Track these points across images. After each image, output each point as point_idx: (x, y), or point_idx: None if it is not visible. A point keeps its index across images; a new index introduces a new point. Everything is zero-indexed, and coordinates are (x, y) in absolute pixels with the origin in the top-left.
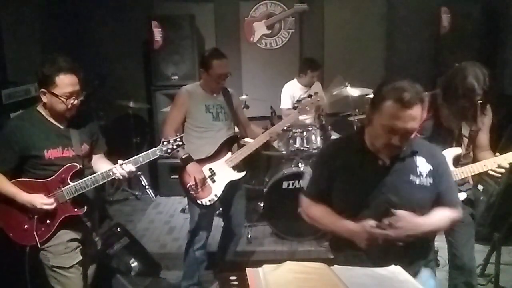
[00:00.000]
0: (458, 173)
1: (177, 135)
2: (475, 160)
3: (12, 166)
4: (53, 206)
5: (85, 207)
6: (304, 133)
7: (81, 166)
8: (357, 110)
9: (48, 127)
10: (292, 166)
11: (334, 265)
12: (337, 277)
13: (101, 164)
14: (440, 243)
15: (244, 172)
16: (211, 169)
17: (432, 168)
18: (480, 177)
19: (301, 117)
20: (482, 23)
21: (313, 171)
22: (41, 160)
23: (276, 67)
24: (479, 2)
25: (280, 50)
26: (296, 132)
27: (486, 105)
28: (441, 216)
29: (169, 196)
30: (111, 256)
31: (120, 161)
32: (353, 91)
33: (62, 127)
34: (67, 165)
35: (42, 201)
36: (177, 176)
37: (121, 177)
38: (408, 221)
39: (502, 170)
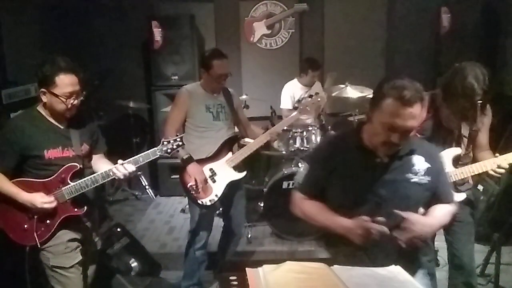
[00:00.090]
0: (458, 173)
1: (177, 135)
2: (474, 160)
3: (12, 166)
4: (53, 205)
5: (85, 207)
6: (304, 133)
7: (81, 166)
8: (357, 110)
9: (48, 127)
10: (292, 166)
11: (334, 265)
12: (337, 277)
13: (101, 164)
14: (440, 243)
15: (245, 172)
16: (211, 169)
17: (429, 167)
18: (480, 177)
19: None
20: (482, 23)
21: (309, 167)
22: (41, 160)
23: (276, 67)
24: (479, 2)
25: (280, 50)
26: (296, 132)
27: (486, 105)
28: (444, 212)
29: (169, 196)
30: (111, 256)
31: (120, 161)
32: (353, 91)
33: (62, 127)
34: (67, 165)
35: (42, 200)
36: (177, 176)
37: (121, 177)
38: (423, 224)
39: (502, 171)
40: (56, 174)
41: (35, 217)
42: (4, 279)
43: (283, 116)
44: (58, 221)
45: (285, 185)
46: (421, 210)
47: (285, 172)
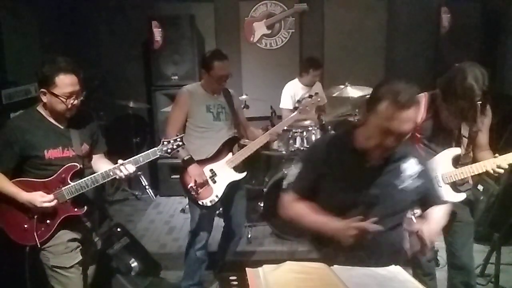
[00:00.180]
0: (458, 173)
1: (177, 135)
2: (474, 160)
3: (12, 166)
4: (53, 204)
5: (85, 207)
6: (304, 133)
7: (81, 166)
8: (357, 110)
9: (48, 127)
10: (292, 166)
11: (334, 265)
12: (337, 277)
13: (101, 164)
14: (440, 243)
15: (245, 173)
16: (212, 170)
17: (420, 171)
18: (480, 177)
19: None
20: (482, 23)
21: (301, 168)
22: (41, 160)
23: (276, 67)
24: (479, 2)
25: (280, 50)
26: (296, 132)
27: (485, 106)
28: (443, 214)
29: (169, 196)
30: (111, 256)
31: (120, 161)
32: (353, 91)
33: (62, 127)
34: (67, 165)
35: (42, 199)
36: (177, 176)
37: (122, 177)
38: (433, 232)
39: (502, 171)
40: (56, 174)
41: (35, 217)
42: (4, 279)
43: (283, 115)
44: (58, 221)
45: (285, 185)
46: (418, 211)
47: (285, 172)
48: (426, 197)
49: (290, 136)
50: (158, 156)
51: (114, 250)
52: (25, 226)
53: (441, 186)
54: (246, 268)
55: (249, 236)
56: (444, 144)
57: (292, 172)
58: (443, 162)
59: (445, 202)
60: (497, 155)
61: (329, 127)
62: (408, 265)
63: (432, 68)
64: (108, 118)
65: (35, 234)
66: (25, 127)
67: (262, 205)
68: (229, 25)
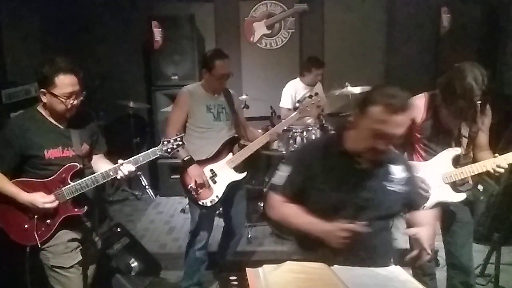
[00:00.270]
0: (458, 173)
1: (177, 135)
2: (474, 160)
3: (12, 166)
4: (54, 204)
5: (85, 207)
6: (304, 133)
7: (81, 166)
8: (357, 110)
9: (48, 127)
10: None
11: (334, 265)
12: (337, 277)
13: (101, 164)
14: (440, 243)
15: (245, 173)
16: (212, 170)
17: (408, 177)
18: (480, 177)
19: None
20: (482, 23)
21: (290, 170)
22: (41, 160)
23: (276, 67)
24: (479, 2)
25: (280, 50)
26: (296, 132)
27: (485, 106)
28: (433, 217)
29: (169, 196)
30: (111, 256)
31: (120, 161)
32: (353, 91)
33: (62, 127)
34: (67, 165)
35: (43, 200)
36: (177, 176)
37: (121, 177)
38: (430, 237)
39: (502, 170)
40: (56, 174)
41: (36, 217)
42: (4, 279)
43: (282, 115)
44: (59, 221)
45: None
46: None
47: None
48: (411, 204)
49: (290, 136)
50: (158, 156)
51: (114, 250)
52: (25, 226)
53: (440, 186)
54: (246, 268)
55: (249, 236)
56: (444, 144)
57: (279, 171)
58: (443, 162)
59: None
60: (496, 154)
61: (329, 126)
62: (408, 265)
63: (432, 68)
64: (108, 118)
65: (35, 234)
66: (25, 127)
67: (262, 205)
68: (229, 25)
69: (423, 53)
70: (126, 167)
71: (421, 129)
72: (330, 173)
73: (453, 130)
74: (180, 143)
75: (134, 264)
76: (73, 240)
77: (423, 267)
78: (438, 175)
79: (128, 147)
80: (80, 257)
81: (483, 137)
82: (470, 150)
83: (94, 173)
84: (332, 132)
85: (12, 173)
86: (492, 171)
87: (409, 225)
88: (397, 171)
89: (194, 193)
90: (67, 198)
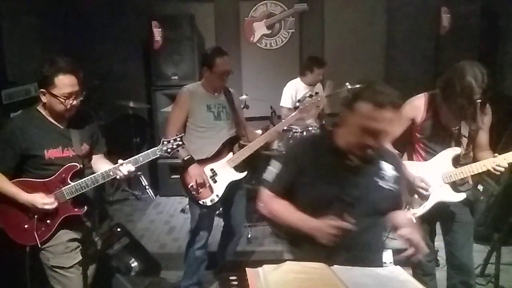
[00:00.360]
0: (458, 173)
1: (177, 135)
2: (474, 160)
3: (12, 166)
4: (54, 206)
5: (85, 207)
6: (304, 133)
7: (81, 166)
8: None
9: (48, 127)
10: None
11: (334, 265)
12: (337, 277)
13: (101, 164)
14: (440, 243)
15: (245, 172)
16: (212, 169)
17: (397, 176)
18: (480, 177)
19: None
20: (482, 23)
21: (282, 166)
22: (41, 160)
23: (276, 67)
24: (479, 2)
25: (280, 50)
26: (296, 132)
27: (485, 104)
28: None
29: (169, 196)
30: (111, 256)
31: (120, 161)
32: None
33: (62, 127)
34: (67, 165)
35: (43, 201)
36: (177, 176)
37: (121, 177)
38: (417, 234)
39: (501, 169)
40: (56, 174)
41: (35, 217)
42: (4, 279)
43: (282, 114)
44: (59, 221)
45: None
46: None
47: None
48: (395, 203)
49: (290, 136)
50: (158, 156)
51: (114, 250)
52: (25, 226)
53: (440, 186)
54: (246, 268)
55: (249, 236)
56: (444, 144)
57: (270, 167)
58: (443, 162)
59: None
60: (496, 154)
61: (329, 126)
62: (408, 265)
63: (432, 68)
64: (108, 118)
65: (35, 234)
66: (25, 127)
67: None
68: (229, 25)
69: (423, 53)
70: (126, 167)
71: (421, 129)
72: (320, 170)
73: (453, 130)
74: (180, 143)
75: (134, 264)
76: (73, 240)
77: (423, 267)
78: (438, 175)
79: (128, 147)
80: (80, 257)
81: (483, 137)
82: (470, 150)
83: (94, 173)
84: (323, 129)
85: (12, 173)
86: (492, 170)
87: (392, 227)
88: (388, 169)
89: (194, 193)
90: (67, 198)
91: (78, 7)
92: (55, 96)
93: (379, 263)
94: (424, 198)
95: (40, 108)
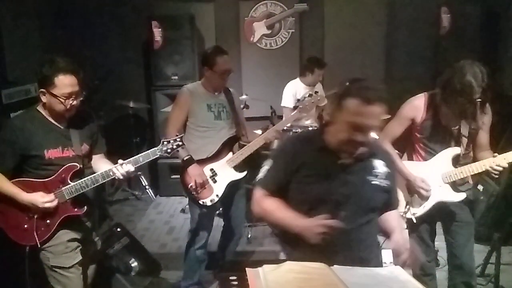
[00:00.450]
0: (458, 173)
1: (177, 135)
2: (474, 160)
3: (12, 166)
4: (54, 204)
5: (85, 207)
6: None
7: (81, 166)
8: None
9: (48, 127)
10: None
11: (334, 265)
12: (337, 277)
13: (101, 164)
14: (440, 243)
15: (245, 172)
16: (212, 169)
17: (389, 172)
18: (480, 177)
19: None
20: (482, 23)
21: (272, 164)
22: (41, 160)
23: (276, 67)
24: (479, 2)
25: (280, 50)
26: (296, 132)
27: (485, 104)
28: (400, 220)
29: (169, 196)
30: (111, 256)
31: (120, 161)
32: None
33: (62, 127)
34: (67, 165)
35: (43, 199)
36: (177, 176)
37: (121, 177)
38: (405, 240)
39: (500, 168)
40: (56, 174)
41: (35, 217)
42: (4, 279)
43: (284, 114)
44: (58, 221)
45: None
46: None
47: None
48: (388, 200)
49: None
50: (158, 156)
51: (114, 250)
52: (25, 226)
53: (440, 186)
54: (246, 268)
55: (249, 236)
56: (444, 144)
57: (263, 166)
58: (443, 161)
59: (397, 207)
60: (496, 154)
61: None
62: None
63: (432, 68)
64: (108, 118)
65: (35, 234)
66: (25, 127)
67: None
68: (229, 25)
69: (423, 53)
70: (126, 167)
71: (421, 128)
72: (311, 168)
73: (453, 130)
74: (180, 143)
75: (134, 264)
76: (73, 240)
77: (423, 267)
78: (438, 175)
79: (128, 147)
80: (80, 257)
81: (483, 137)
82: (470, 150)
83: (94, 173)
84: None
85: (12, 173)
86: (491, 170)
87: (382, 230)
88: (379, 166)
89: (194, 193)
90: (67, 198)
91: (78, 7)
92: (55, 96)
93: (377, 262)
94: (424, 198)
95: (40, 108)
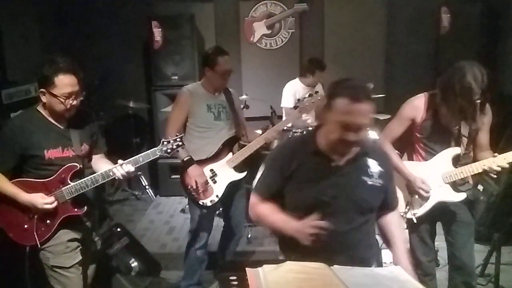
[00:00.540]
0: (458, 173)
1: (177, 135)
2: (474, 160)
3: (12, 166)
4: (54, 205)
5: (85, 207)
6: (304, 132)
7: (81, 166)
8: None
9: (48, 127)
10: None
11: (334, 265)
12: (337, 277)
13: (101, 164)
14: (440, 243)
15: (245, 173)
16: (212, 169)
17: (382, 171)
18: (480, 177)
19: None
20: (482, 23)
21: (265, 170)
22: (41, 160)
23: (276, 67)
24: (479, 2)
25: (280, 50)
26: (296, 132)
27: (485, 104)
28: (402, 233)
29: (169, 196)
30: (111, 256)
31: (120, 161)
32: None
33: (62, 127)
34: (67, 165)
35: (43, 201)
36: (177, 176)
37: (121, 177)
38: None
39: (499, 169)
40: (56, 174)
41: (35, 217)
42: (4, 279)
43: (284, 114)
44: (58, 221)
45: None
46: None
47: None
48: (386, 199)
49: (290, 136)
50: (158, 156)
51: (114, 250)
52: (25, 226)
53: (440, 186)
54: (246, 268)
55: (249, 236)
56: (444, 144)
57: (259, 174)
58: (443, 161)
59: (397, 207)
60: (496, 154)
61: None
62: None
63: (432, 68)
64: (108, 118)
65: (35, 234)
66: (25, 127)
67: None
68: (229, 25)
69: (423, 53)
70: (126, 167)
71: (421, 129)
72: (304, 173)
73: (453, 130)
74: (180, 143)
75: (134, 264)
76: (73, 240)
77: (423, 267)
78: (438, 175)
79: (128, 147)
80: (80, 257)
81: (483, 137)
82: (470, 150)
83: (94, 173)
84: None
85: (12, 173)
86: (491, 170)
87: (383, 239)
88: (373, 165)
89: (194, 193)
90: (67, 198)
91: (78, 7)
92: (55, 96)
93: (377, 262)
94: (424, 198)
95: (40, 108)
